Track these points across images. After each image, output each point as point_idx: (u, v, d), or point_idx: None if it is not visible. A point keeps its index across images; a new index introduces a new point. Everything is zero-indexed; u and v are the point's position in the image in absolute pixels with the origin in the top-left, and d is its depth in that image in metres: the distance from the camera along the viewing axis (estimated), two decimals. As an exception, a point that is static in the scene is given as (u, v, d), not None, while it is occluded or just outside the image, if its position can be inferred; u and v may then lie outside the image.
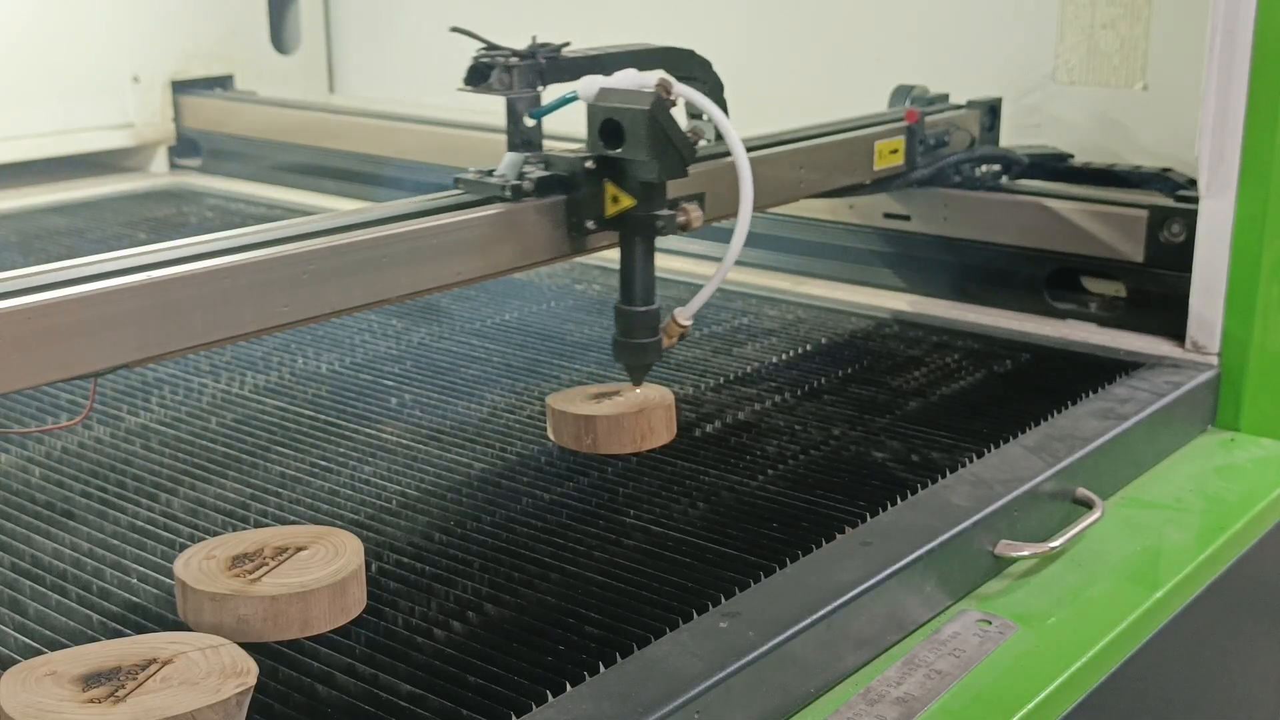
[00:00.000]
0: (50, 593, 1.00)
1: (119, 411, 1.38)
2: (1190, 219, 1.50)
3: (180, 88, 2.62)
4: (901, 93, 1.75)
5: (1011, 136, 1.81)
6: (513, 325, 1.69)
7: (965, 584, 1.09)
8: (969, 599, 1.09)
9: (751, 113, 1.48)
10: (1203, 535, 1.23)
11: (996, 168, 1.74)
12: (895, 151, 1.62)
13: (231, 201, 2.42)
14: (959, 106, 1.75)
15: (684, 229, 1.20)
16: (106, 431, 1.33)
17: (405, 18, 2.63)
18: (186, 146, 2.65)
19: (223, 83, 2.67)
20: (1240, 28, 1.38)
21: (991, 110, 1.76)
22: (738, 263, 1.23)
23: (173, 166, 2.66)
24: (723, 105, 1.36)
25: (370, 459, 1.26)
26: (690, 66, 1.33)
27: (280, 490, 1.19)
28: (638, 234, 1.21)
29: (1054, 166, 1.75)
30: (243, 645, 0.85)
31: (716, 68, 1.35)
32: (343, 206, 1.97)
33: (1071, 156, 1.77)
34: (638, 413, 1.23)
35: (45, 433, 1.31)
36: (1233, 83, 1.40)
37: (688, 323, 1.25)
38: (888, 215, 1.79)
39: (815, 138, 1.53)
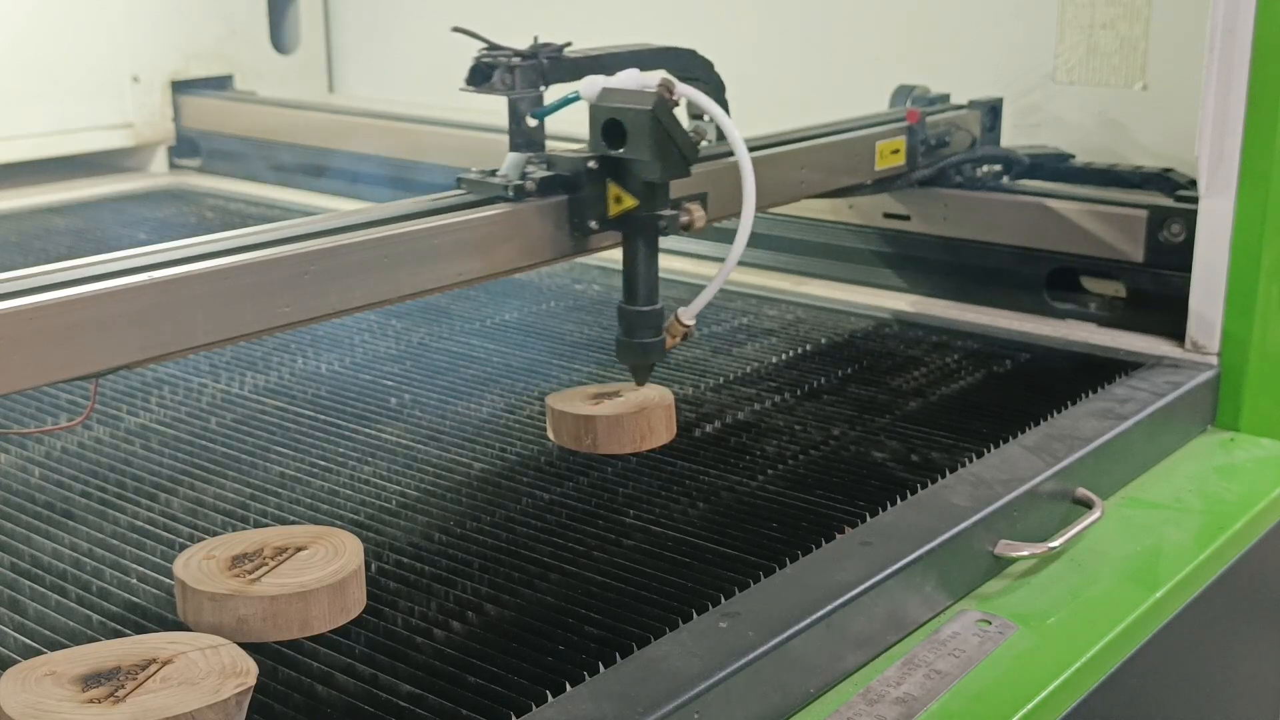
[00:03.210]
0: (50, 593, 1.00)
1: (119, 412, 1.38)
2: (1190, 219, 1.50)
3: (180, 88, 2.62)
4: (903, 93, 1.75)
5: (1011, 136, 1.81)
6: (513, 325, 1.69)
7: (965, 584, 1.09)
8: (969, 599, 1.09)
9: (753, 113, 1.48)
10: (1202, 535, 1.23)
11: (997, 168, 1.74)
12: (896, 152, 1.62)
13: (231, 201, 2.42)
14: (960, 107, 1.75)
15: (687, 229, 1.20)
16: (106, 431, 1.33)
17: (405, 18, 2.63)
18: (186, 146, 2.65)
19: (222, 83, 2.67)
20: (1240, 28, 1.38)
21: (992, 110, 1.76)
22: (738, 263, 1.23)
23: (172, 166, 2.66)
24: (724, 105, 1.36)
25: (370, 459, 1.26)
26: (692, 66, 1.33)
27: (280, 490, 1.19)
28: (640, 234, 1.21)
29: (1055, 167, 1.75)
30: (242, 645, 0.85)
31: (718, 68, 1.35)
32: (343, 206, 1.98)
33: (1073, 156, 1.78)
34: (638, 413, 1.23)
35: (45, 433, 1.31)
36: (1233, 83, 1.40)
37: (691, 322, 1.25)
38: (888, 215, 1.79)
39: (817, 138, 1.53)
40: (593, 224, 1.21)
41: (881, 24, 2.00)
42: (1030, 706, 0.96)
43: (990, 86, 1.81)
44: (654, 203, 1.19)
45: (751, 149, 1.44)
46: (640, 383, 1.27)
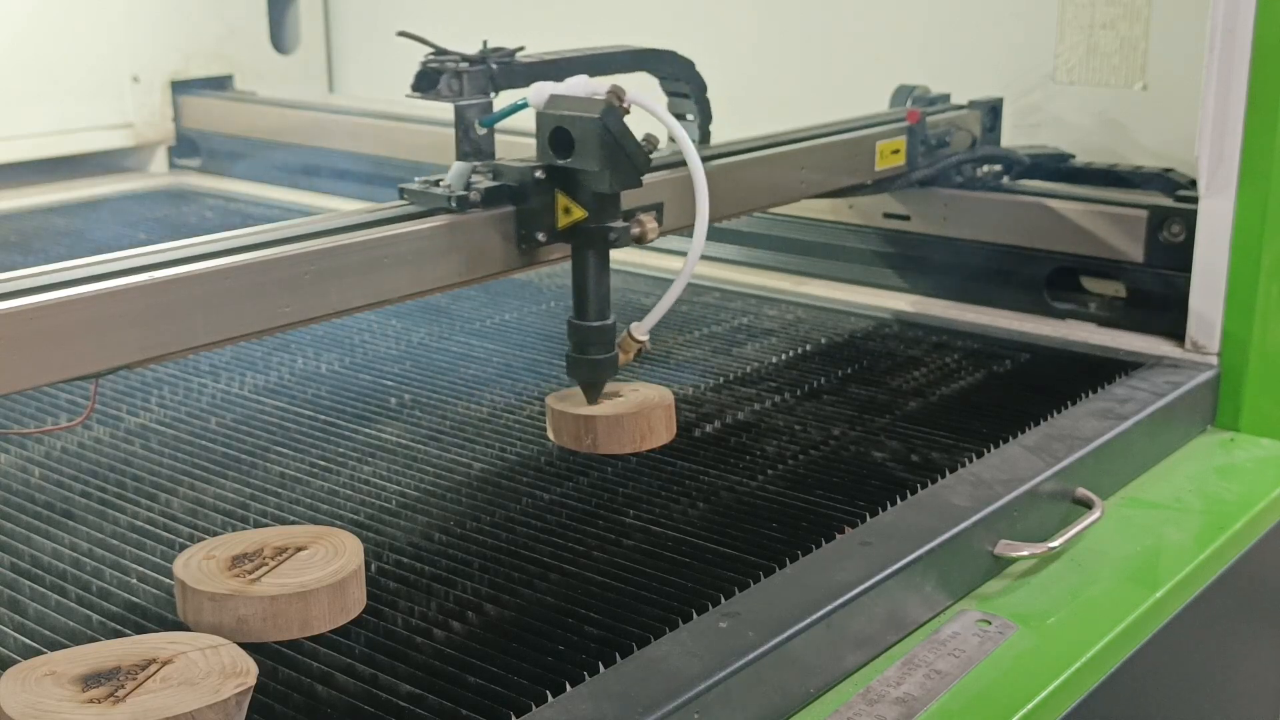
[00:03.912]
0: (50, 593, 1.00)
1: (119, 412, 1.38)
2: (1190, 219, 1.50)
3: (180, 88, 2.62)
4: (903, 93, 1.75)
5: (1011, 136, 1.81)
6: (513, 325, 1.69)
7: (965, 584, 1.09)
8: (969, 599, 1.09)
9: (753, 113, 1.49)
10: (1202, 535, 1.23)
11: (998, 168, 1.74)
12: (897, 152, 1.62)
13: (231, 201, 2.42)
14: (960, 107, 1.75)
15: (639, 241, 1.17)
16: (106, 431, 1.33)
17: (405, 18, 2.63)
18: (186, 146, 2.65)
19: (222, 83, 2.67)
20: (1240, 28, 1.38)
21: (993, 110, 1.76)
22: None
23: (173, 166, 2.66)
24: (705, 106, 1.34)
25: (370, 459, 1.26)
26: (671, 67, 1.32)
27: (280, 490, 1.19)
28: (590, 246, 1.18)
29: (1055, 167, 1.75)
30: (242, 645, 0.85)
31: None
32: (343, 206, 1.98)
33: (1073, 156, 1.78)
34: (638, 413, 1.23)
35: (45, 433, 1.31)
36: (1233, 83, 1.40)
37: (644, 338, 1.22)
38: (888, 215, 1.79)
39: (817, 138, 1.53)
40: (541, 236, 1.17)
41: (881, 24, 2.00)
42: (1030, 706, 0.96)
43: (990, 86, 1.81)
44: (604, 214, 1.15)
45: (751, 149, 1.45)
46: (591, 401, 1.23)
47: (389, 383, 1.47)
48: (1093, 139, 1.81)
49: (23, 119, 2.43)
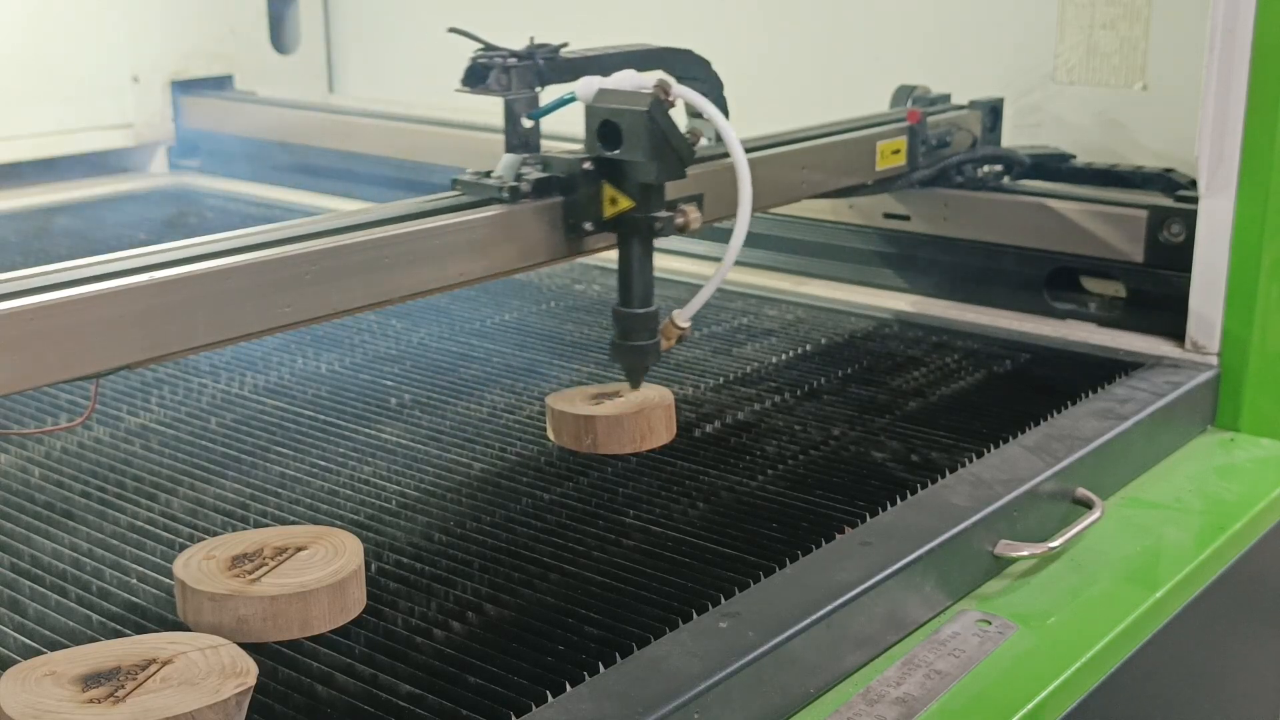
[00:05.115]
0: (50, 593, 1.00)
1: (119, 412, 1.38)
2: (1190, 219, 1.50)
3: (180, 88, 2.62)
4: (903, 93, 1.75)
5: (1011, 136, 1.81)
6: (513, 325, 1.69)
7: (965, 584, 1.09)
8: (969, 599, 1.09)
9: (754, 113, 1.48)
10: (1202, 535, 1.23)
11: (998, 168, 1.74)
12: (897, 152, 1.62)
13: (231, 201, 2.42)
14: (961, 107, 1.75)
15: (682, 230, 1.21)
16: (106, 431, 1.33)
17: (405, 18, 2.63)
18: (186, 146, 2.65)
19: (222, 83, 2.67)
20: (1240, 28, 1.38)
21: (993, 110, 1.76)
22: (738, 263, 1.23)
23: (173, 166, 2.66)
24: (723, 106, 1.36)
25: (370, 459, 1.26)
26: (690, 67, 1.33)
27: (280, 490, 1.19)
28: (636, 236, 1.21)
29: (1055, 167, 1.75)
30: (242, 645, 0.85)
31: (719, 68, 1.35)
32: (343, 206, 1.98)
33: (1073, 157, 1.78)
34: (638, 413, 1.23)
35: (45, 433, 1.31)
36: (1233, 83, 1.40)
37: (686, 325, 1.25)
38: (888, 215, 1.79)
39: (817, 138, 1.53)
40: (588, 226, 1.21)
41: (882, 24, 2.00)
42: (1030, 706, 0.96)
43: (991, 86, 1.81)
44: (649, 204, 1.19)
45: (752, 149, 1.44)
46: (635, 385, 1.27)
47: (389, 383, 1.47)
48: (1093, 139, 1.81)
49: (23, 119, 2.43)
